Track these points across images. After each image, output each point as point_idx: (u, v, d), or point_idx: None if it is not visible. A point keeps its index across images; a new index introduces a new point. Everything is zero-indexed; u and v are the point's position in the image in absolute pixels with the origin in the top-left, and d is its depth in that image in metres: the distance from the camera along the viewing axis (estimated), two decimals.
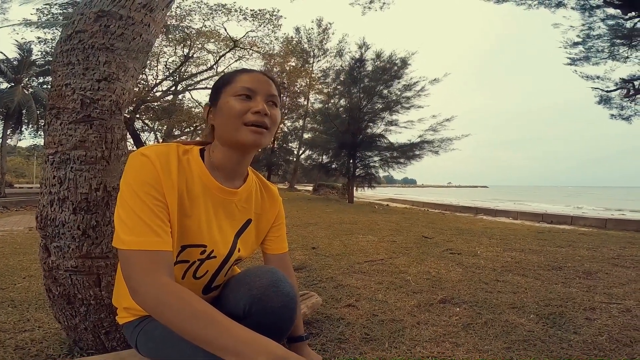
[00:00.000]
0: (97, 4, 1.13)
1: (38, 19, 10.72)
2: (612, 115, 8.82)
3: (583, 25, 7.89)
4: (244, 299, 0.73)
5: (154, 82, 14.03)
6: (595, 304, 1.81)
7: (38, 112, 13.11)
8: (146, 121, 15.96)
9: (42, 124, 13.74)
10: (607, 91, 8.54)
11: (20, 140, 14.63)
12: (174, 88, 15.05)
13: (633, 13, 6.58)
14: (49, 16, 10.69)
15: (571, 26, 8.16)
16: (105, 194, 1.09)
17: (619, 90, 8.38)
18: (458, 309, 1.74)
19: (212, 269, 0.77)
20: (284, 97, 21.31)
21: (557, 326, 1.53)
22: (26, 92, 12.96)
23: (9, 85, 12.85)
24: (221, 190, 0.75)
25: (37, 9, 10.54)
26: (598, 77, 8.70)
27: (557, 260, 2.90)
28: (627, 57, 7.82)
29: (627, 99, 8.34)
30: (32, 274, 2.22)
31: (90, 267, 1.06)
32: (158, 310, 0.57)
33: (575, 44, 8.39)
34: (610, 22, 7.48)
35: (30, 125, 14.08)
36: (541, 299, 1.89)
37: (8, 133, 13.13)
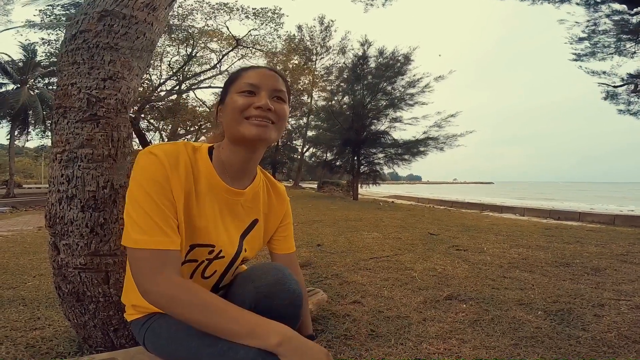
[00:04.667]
0: (101, 4, 1.13)
1: (41, 21, 10.80)
2: (620, 110, 8.69)
3: (588, 21, 7.77)
4: (250, 296, 0.73)
5: (158, 82, 14.12)
6: (603, 301, 1.78)
7: (44, 112, 13.25)
8: (151, 120, 16.08)
9: (49, 124, 13.94)
10: (614, 86, 8.40)
11: (27, 141, 14.82)
12: (178, 87, 15.12)
13: (639, 8, 6.45)
14: (52, 17, 10.76)
15: (576, 22, 8.03)
16: (112, 192, 1.10)
17: (625, 86, 8.23)
18: (464, 305, 1.73)
19: (221, 269, 0.77)
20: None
21: (565, 323, 1.51)
22: (32, 93, 13.10)
23: (15, 87, 12.98)
24: (227, 190, 0.75)
25: (40, 10, 10.60)
26: (604, 73, 8.57)
27: (565, 256, 2.87)
28: (634, 53, 7.68)
29: (635, 94, 8.19)
30: (42, 273, 2.25)
31: (99, 265, 1.07)
32: (170, 307, 0.60)
33: (581, 39, 8.25)
34: (616, 18, 7.35)
35: (37, 126, 14.24)
36: (549, 295, 1.87)
37: (16, 134, 13.30)
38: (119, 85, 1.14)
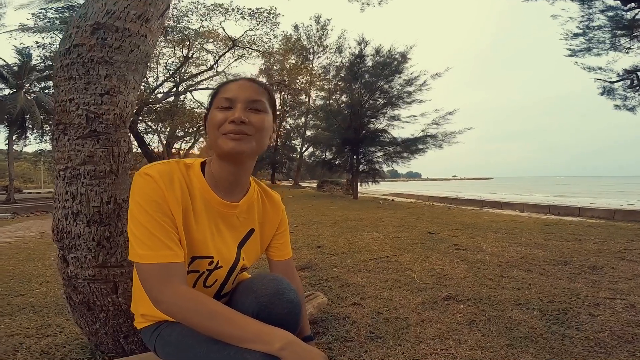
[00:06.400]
0: (92, 17, 1.13)
1: (35, 24, 10.73)
2: (616, 106, 8.75)
3: (582, 16, 7.81)
4: (252, 306, 0.77)
5: (155, 84, 14.11)
6: (599, 300, 1.81)
7: (42, 117, 13.19)
8: (149, 123, 16.08)
9: (47, 128, 13.84)
10: (611, 82, 8.44)
11: (26, 145, 14.74)
12: (175, 89, 15.11)
13: (633, 4, 6.49)
14: (45, 20, 10.70)
15: (570, 17, 8.07)
16: (116, 207, 1.13)
17: (622, 81, 8.27)
18: (462, 306, 1.76)
19: (220, 278, 0.81)
20: (286, 95, 21.28)
21: (559, 323, 1.54)
22: (28, 97, 13.01)
23: (11, 91, 12.90)
24: (222, 204, 0.78)
25: (33, 14, 10.54)
26: (600, 69, 8.62)
27: (563, 254, 2.89)
28: (629, 48, 7.71)
29: (631, 90, 8.24)
30: (48, 280, 2.28)
31: (107, 276, 1.11)
32: (181, 316, 0.65)
33: (576, 35, 8.30)
34: (610, 14, 7.39)
35: (35, 131, 14.18)
36: (545, 295, 1.90)
37: (14, 139, 13.25)
38: (116, 100, 1.15)
